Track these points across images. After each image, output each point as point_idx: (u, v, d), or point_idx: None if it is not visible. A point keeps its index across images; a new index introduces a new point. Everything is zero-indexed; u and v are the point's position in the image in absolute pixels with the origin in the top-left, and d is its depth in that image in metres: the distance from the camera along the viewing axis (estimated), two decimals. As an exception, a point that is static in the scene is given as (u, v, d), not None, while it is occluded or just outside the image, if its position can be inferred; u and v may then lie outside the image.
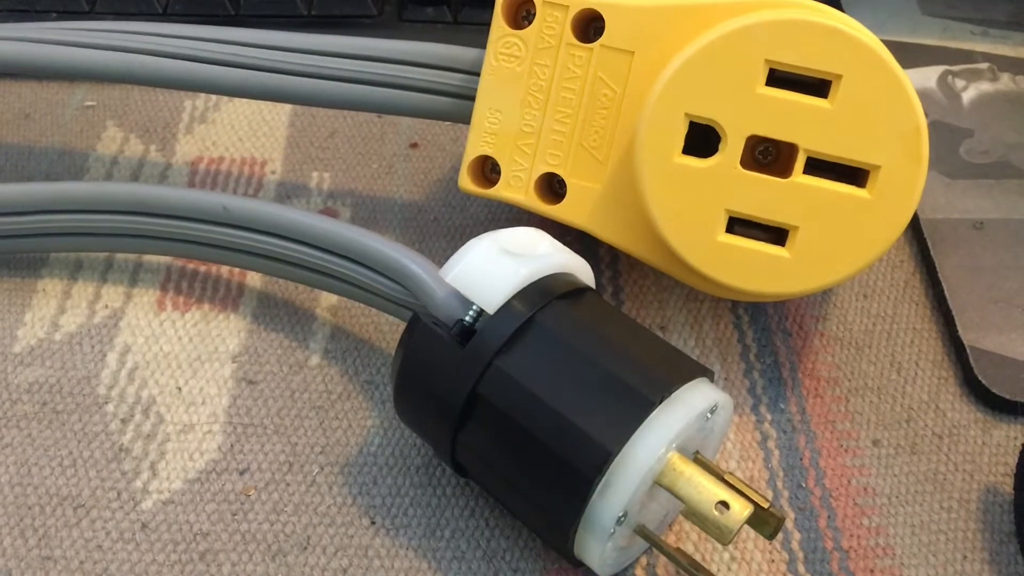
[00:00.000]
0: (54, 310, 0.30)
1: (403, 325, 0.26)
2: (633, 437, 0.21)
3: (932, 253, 0.31)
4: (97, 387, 0.28)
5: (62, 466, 0.27)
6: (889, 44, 0.25)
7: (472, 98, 0.28)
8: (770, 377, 0.29)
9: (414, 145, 0.36)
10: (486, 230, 0.33)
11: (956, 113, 0.36)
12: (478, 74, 0.28)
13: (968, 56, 0.39)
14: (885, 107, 0.24)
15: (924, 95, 0.36)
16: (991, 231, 0.32)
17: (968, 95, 0.37)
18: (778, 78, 0.25)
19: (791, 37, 0.24)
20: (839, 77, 0.24)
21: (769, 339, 0.30)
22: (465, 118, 0.29)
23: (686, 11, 0.26)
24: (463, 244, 0.32)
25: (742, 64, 0.25)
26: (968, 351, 0.29)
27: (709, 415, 0.23)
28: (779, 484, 0.26)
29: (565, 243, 0.26)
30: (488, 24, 0.28)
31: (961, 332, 0.29)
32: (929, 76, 0.38)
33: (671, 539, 0.25)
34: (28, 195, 0.29)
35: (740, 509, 0.22)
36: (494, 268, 0.24)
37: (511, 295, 0.23)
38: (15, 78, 0.38)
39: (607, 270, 0.32)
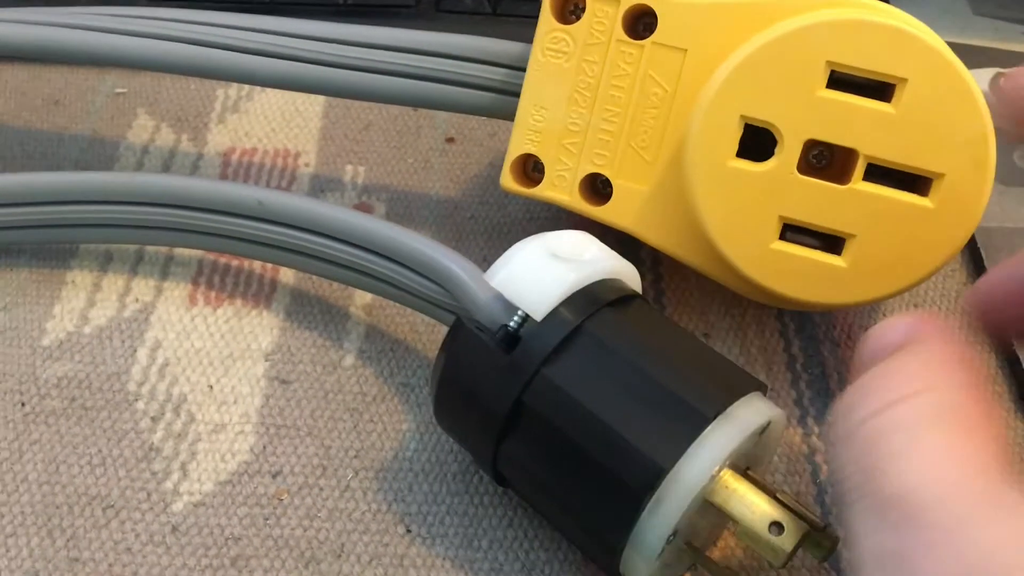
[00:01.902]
0: (83, 303, 0.30)
1: (440, 326, 0.25)
2: (686, 454, 0.20)
3: (986, 263, 0.30)
4: (127, 383, 0.28)
5: (91, 465, 0.26)
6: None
7: (515, 94, 0.27)
8: (818, 388, 0.28)
9: (450, 140, 0.35)
10: (524, 229, 0.32)
11: (1009, 117, 0.35)
12: (521, 69, 0.27)
13: (1020, 58, 0.37)
14: (951, 113, 0.24)
15: (975, 98, 0.35)
16: (1045, 241, 0.31)
17: (1021, 99, 0.36)
18: (838, 80, 0.24)
19: (854, 38, 0.24)
20: (904, 81, 0.23)
21: (817, 349, 0.29)
22: (507, 114, 0.28)
23: (742, 8, 0.25)
24: (500, 242, 0.32)
25: (802, 65, 0.24)
26: (1022, 365, 0.28)
27: (762, 431, 0.22)
28: (827, 500, 0.26)
29: (606, 244, 0.25)
30: (528, 17, 0.27)
31: (1015, 346, 0.28)
32: (980, 79, 0.36)
33: (715, 554, 0.25)
34: (59, 185, 0.29)
35: (794, 530, 0.21)
36: (541, 273, 0.23)
37: (559, 301, 0.22)
38: (45, 63, 0.37)
39: (649, 273, 0.31)
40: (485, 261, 0.25)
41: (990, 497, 0.16)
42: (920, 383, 0.18)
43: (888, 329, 0.20)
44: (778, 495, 0.22)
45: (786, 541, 0.21)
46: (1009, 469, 0.17)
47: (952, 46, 0.24)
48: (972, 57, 0.38)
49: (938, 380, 0.18)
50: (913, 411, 0.17)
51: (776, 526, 0.21)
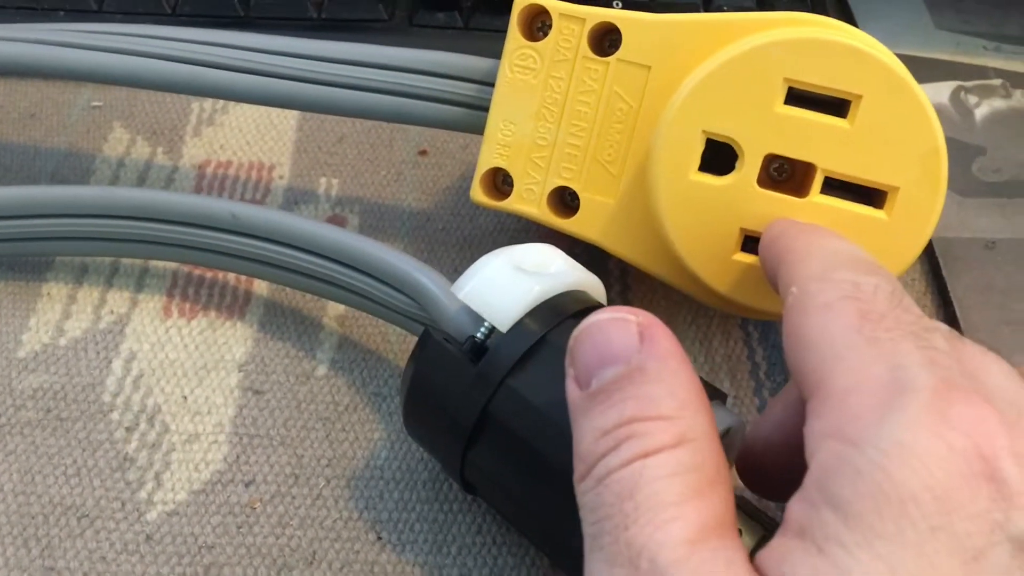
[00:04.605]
0: (59, 315, 0.30)
1: (412, 337, 0.25)
2: (647, 461, 0.21)
3: (944, 273, 0.31)
4: (102, 394, 0.28)
5: (66, 475, 0.26)
6: (902, 58, 0.25)
7: (485, 109, 0.28)
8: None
9: (423, 152, 0.36)
10: (495, 240, 0.33)
11: (969, 130, 0.36)
12: (491, 84, 0.28)
13: (981, 72, 0.38)
14: (904, 128, 0.24)
15: (937, 111, 0.36)
16: (1003, 251, 0.32)
17: (981, 112, 0.37)
18: (796, 96, 0.25)
19: (811, 56, 0.24)
20: (859, 97, 0.24)
21: (780, 357, 0.29)
22: (477, 129, 0.28)
23: (704, 26, 0.26)
24: (471, 253, 0.32)
25: (761, 82, 0.25)
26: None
27: (722, 439, 0.22)
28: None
29: (573, 255, 0.25)
30: (500, 31, 0.27)
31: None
32: (942, 92, 0.37)
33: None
34: (34, 198, 0.29)
35: (752, 534, 0.21)
36: (507, 285, 0.23)
37: (524, 313, 0.23)
38: (21, 77, 0.38)
39: (616, 284, 0.31)
40: (456, 272, 0.25)
41: (717, 558, 0.17)
42: (670, 435, 0.18)
43: (616, 332, 0.19)
44: (735, 500, 0.22)
45: (744, 544, 0.21)
46: (733, 520, 0.18)
47: (915, 60, 0.25)
48: (934, 70, 0.39)
49: (687, 429, 0.18)
50: (664, 467, 0.17)
51: (735, 531, 0.21)
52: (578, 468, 0.19)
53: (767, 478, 0.23)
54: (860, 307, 0.19)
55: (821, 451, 0.17)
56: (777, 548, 0.17)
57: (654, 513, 0.17)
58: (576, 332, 0.20)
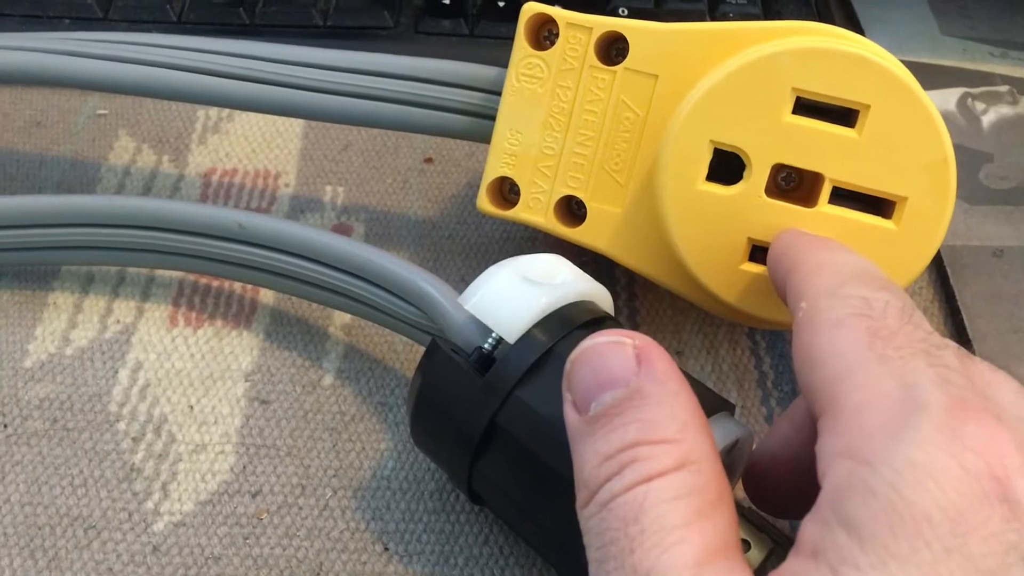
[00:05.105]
0: (65, 324, 0.30)
1: (418, 346, 0.25)
2: (655, 473, 0.21)
3: (952, 281, 0.31)
4: (108, 404, 0.28)
5: (72, 485, 0.26)
6: (908, 65, 0.25)
7: (491, 117, 0.28)
8: (788, 405, 0.28)
9: (429, 160, 0.36)
10: (501, 248, 0.33)
11: (976, 137, 0.36)
12: (497, 93, 0.28)
13: (987, 78, 0.38)
14: (913, 138, 0.24)
15: (943, 117, 0.36)
16: (1010, 259, 0.32)
17: (988, 118, 0.37)
18: (804, 106, 0.25)
19: (819, 66, 0.24)
20: (867, 107, 0.24)
21: (787, 366, 0.29)
22: (483, 138, 0.28)
23: (711, 35, 0.26)
24: (478, 262, 0.32)
25: (769, 92, 0.24)
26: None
27: (730, 451, 0.22)
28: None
29: (581, 264, 0.25)
30: (506, 38, 0.27)
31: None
32: (948, 98, 0.37)
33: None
34: (40, 207, 0.29)
35: (760, 546, 0.21)
36: (514, 296, 0.23)
37: (531, 324, 0.23)
38: (27, 85, 0.38)
39: (623, 292, 0.31)
40: (463, 280, 0.25)
41: None
42: (673, 458, 0.18)
43: (613, 355, 0.19)
44: (744, 512, 0.22)
45: (753, 557, 0.21)
46: (737, 540, 0.18)
47: (921, 66, 0.25)
48: (941, 77, 0.39)
49: (689, 451, 0.18)
50: (668, 490, 0.17)
51: (743, 543, 0.21)
52: (580, 494, 0.19)
53: (773, 495, 0.23)
54: (871, 324, 0.19)
55: (833, 471, 0.17)
56: (790, 570, 0.17)
57: (659, 537, 0.17)
58: (572, 357, 0.20)
